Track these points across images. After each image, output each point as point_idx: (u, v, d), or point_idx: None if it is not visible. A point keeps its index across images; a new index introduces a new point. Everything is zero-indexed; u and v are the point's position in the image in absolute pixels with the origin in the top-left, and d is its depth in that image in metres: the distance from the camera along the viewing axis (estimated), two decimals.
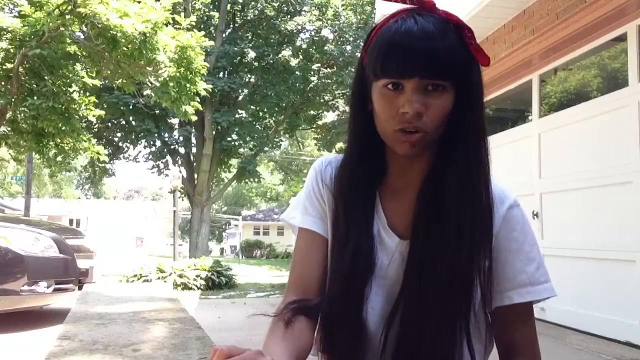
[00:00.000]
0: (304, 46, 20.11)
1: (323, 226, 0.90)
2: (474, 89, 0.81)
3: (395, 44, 0.76)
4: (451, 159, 0.81)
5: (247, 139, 19.16)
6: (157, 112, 16.93)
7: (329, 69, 20.05)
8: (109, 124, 18.79)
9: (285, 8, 19.80)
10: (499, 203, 0.85)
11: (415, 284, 0.80)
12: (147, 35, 7.05)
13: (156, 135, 18.54)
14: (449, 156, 0.82)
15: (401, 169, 0.88)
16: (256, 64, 19.36)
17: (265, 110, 20.23)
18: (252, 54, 18.82)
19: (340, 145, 20.62)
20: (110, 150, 19.27)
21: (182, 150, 20.37)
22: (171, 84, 7.69)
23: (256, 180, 21.09)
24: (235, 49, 18.42)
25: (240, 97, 19.65)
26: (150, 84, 7.91)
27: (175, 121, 18.74)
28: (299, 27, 19.90)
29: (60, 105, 7.58)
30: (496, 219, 0.84)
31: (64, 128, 7.94)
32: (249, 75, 19.62)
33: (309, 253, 0.91)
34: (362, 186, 0.87)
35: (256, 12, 19.73)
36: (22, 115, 8.03)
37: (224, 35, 19.37)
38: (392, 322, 0.81)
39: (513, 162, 4.80)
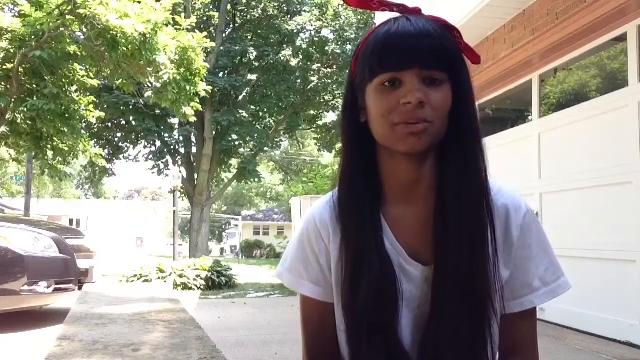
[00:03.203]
0: (304, 46, 20.11)
1: (320, 291, 0.90)
2: (466, 89, 0.81)
3: (392, 40, 0.76)
4: (449, 167, 0.80)
5: (247, 139, 19.15)
6: (157, 112, 16.93)
7: (329, 69, 20.05)
8: (109, 124, 18.78)
9: (286, 8, 19.80)
10: (513, 212, 0.85)
11: (444, 308, 0.79)
12: (147, 35, 7.05)
13: (156, 135, 18.53)
14: (447, 164, 0.81)
15: (404, 188, 0.85)
16: (256, 64, 19.36)
17: (265, 110, 20.22)
18: (254, 53, 18.83)
19: (340, 145, 20.58)
20: (110, 150, 19.27)
21: (182, 150, 20.37)
22: (171, 87, 7.68)
23: (256, 180, 21.08)
24: (237, 48, 18.42)
25: (240, 97, 19.66)
26: (150, 85, 7.90)
27: (175, 121, 18.74)
28: (299, 27, 19.90)
29: (60, 106, 7.58)
30: (514, 229, 0.84)
31: (63, 129, 7.93)
32: (249, 75, 19.62)
33: (318, 323, 0.92)
34: (363, 200, 0.84)
35: (259, 11, 19.73)
36: (21, 115, 8.02)
37: (224, 35, 19.37)
38: (426, 346, 0.81)
39: (513, 162, 4.80)
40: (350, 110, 0.85)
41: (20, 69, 7.32)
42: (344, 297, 0.84)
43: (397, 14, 0.81)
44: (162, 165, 20.41)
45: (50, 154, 8.65)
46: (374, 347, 0.81)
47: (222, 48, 18.36)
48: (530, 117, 4.86)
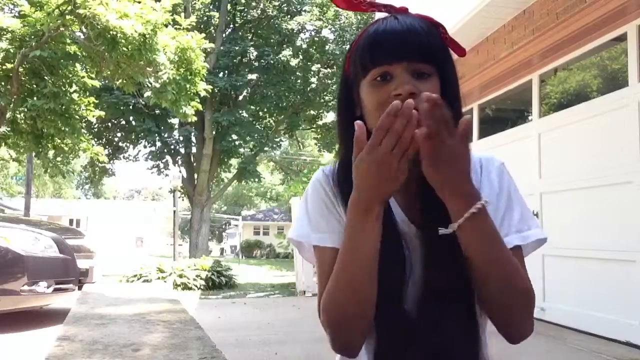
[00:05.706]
0: (304, 46, 20.12)
1: (339, 239, 0.88)
2: (452, 81, 0.85)
3: (381, 36, 0.82)
4: None
5: (247, 139, 19.16)
6: (157, 112, 16.94)
7: (329, 69, 20.06)
8: (109, 124, 18.79)
9: (286, 8, 19.81)
10: (486, 162, 0.92)
11: (436, 269, 0.82)
12: (147, 36, 7.05)
13: (156, 135, 18.55)
14: None
15: None
16: (256, 63, 19.37)
17: (265, 110, 20.24)
18: (254, 53, 18.84)
19: (338, 146, 20.59)
20: (110, 150, 19.27)
21: (182, 150, 20.38)
22: (171, 87, 7.68)
23: (256, 180, 21.09)
24: (237, 48, 18.43)
25: (240, 97, 19.66)
26: (150, 85, 7.91)
27: (175, 121, 18.75)
28: (299, 27, 19.91)
29: (60, 106, 7.58)
30: (493, 174, 0.90)
31: (63, 129, 7.94)
32: (249, 75, 19.62)
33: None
34: None
35: (259, 11, 19.74)
36: (21, 115, 8.03)
37: (224, 35, 19.38)
38: (424, 310, 0.83)
39: (513, 162, 4.78)
40: (344, 105, 0.91)
41: (20, 69, 7.33)
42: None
43: (385, 14, 0.86)
44: (162, 165, 20.43)
45: (51, 153, 8.66)
46: (385, 316, 0.82)
47: (222, 48, 18.36)
48: (530, 117, 4.86)
